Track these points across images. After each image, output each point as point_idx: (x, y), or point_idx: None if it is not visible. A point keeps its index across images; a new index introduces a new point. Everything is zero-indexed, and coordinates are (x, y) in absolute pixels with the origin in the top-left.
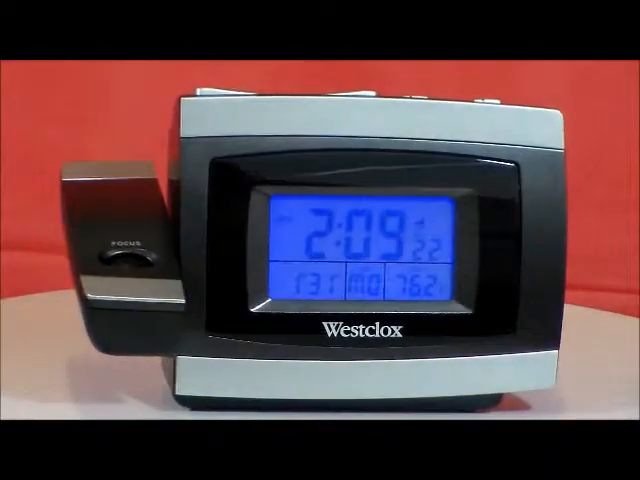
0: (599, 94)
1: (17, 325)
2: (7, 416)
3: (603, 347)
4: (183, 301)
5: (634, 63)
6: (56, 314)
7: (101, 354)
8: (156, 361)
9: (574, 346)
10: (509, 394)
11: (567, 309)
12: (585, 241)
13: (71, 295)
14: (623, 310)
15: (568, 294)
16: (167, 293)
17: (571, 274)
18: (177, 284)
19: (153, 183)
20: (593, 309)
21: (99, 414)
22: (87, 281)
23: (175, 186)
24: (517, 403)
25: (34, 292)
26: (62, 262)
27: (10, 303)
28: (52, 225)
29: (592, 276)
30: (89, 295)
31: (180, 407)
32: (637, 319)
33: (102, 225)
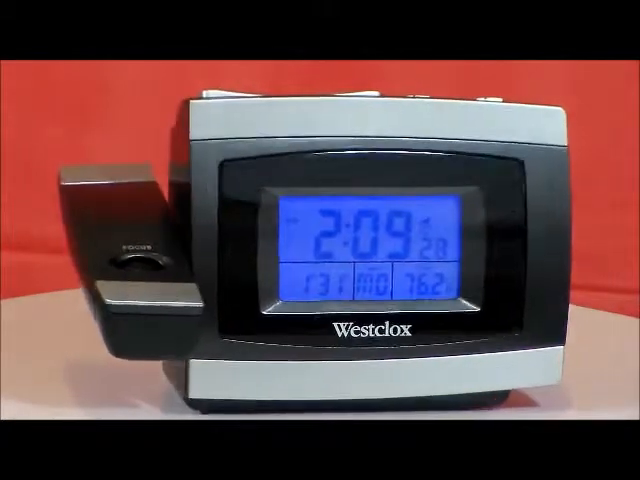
0: (599, 94)
1: (17, 325)
2: (7, 416)
3: (603, 347)
4: (202, 304)
5: (634, 63)
6: (56, 315)
7: (101, 354)
8: (154, 363)
9: (574, 346)
10: (515, 391)
11: None
12: (585, 241)
13: (71, 296)
14: (623, 310)
15: None
16: (185, 297)
17: (571, 274)
18: (193, 287)
19: (154, 186)
20: (593, 309)
21: (101, 415)
22: (103, 286)
23: (184, 188)
24: (524, 400)
25: (34, 292)
26: (62, 262)
27: (10, 303)
28: (52, 225)
29: (592, 276)
30: (108, 300)
31: (191, 410)
32: (637, 319)
33: (110, 229)
